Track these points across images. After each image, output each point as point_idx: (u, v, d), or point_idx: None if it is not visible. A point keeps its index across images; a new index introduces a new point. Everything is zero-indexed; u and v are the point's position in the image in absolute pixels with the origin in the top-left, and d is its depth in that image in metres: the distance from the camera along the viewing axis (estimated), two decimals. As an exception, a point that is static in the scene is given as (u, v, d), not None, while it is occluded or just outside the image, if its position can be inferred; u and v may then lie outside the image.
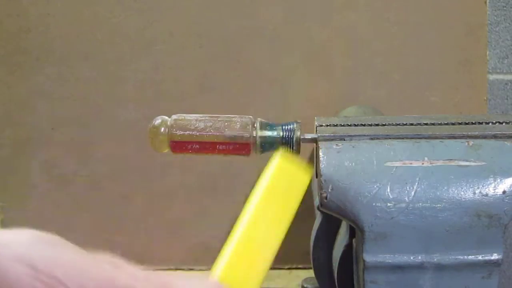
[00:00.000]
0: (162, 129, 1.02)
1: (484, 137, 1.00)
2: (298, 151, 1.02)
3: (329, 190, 0.96)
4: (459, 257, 0.96)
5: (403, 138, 1.00)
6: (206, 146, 1.02)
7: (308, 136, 1.03)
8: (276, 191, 0.75)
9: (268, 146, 1.02)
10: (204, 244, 1.59)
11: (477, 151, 0.98)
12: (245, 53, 1.55)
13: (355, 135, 1.01)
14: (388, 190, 0.95)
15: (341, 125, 1.05)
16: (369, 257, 0.96)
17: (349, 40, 1.54)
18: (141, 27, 1.54)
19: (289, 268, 1.56)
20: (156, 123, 1.03)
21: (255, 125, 1.02)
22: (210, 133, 1.02)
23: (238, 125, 1.02)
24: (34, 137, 1.58)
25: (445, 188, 0.96)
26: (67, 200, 1.60)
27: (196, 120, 1.03)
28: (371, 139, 1.00)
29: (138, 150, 1.56)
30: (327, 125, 1.05)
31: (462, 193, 0.95)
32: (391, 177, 0.96)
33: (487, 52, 1.54)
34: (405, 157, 0.97)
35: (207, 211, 1.59)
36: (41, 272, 0.58)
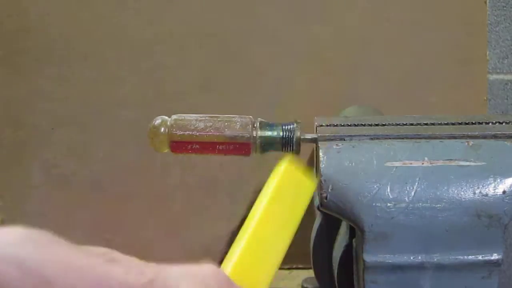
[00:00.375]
0: (162, 129, 1.02)
1: (484, 137, 1.00)
2: (298, 151, 1.02)
3: (329, 190, 0.96)
4: (459, 257, 0.96)
5: (403, 138, 1.00)
6: (206, 146, 1.02)
7: (308, 136, 1.03)
8: (283, 195, 0.76)
9: (268, 146, 1.02)
10: (204, 244, 1.59)
11: (477, 151, 0.98)
12: (245, 53, 1.55)
13: (355, 135, 1.01)
14: (388, 190, 0.95)
15: (341, 125, 1.05)
16: (369, 257, 0.96)
17: (349, 40, 1.54)
18: (141, 27, 1.54)
19: (289, 268, 1.56)
20: (156, 123, 1.03)
21: (255, 125, 1.02)
22: (210, 133, 1.02)
23: (238, 125, 1.02)
24: (34, 137, 1.58)
25: (445, 188, 0.96)
26: (67, 200, 1.59)
27: (196, 120, 1.02)
28: (371, 139, 1.00)
29: (138, 150, 1.55)
30: (327, 125, 1.05)
31: (462, 193, 0.95)
32: (391, 177, 0.96)
33: (487, 52, 1.54)
34: (405, 157, 0.97)
35: (207, 211, 1.59)
36: (29, 272, 0.57)
